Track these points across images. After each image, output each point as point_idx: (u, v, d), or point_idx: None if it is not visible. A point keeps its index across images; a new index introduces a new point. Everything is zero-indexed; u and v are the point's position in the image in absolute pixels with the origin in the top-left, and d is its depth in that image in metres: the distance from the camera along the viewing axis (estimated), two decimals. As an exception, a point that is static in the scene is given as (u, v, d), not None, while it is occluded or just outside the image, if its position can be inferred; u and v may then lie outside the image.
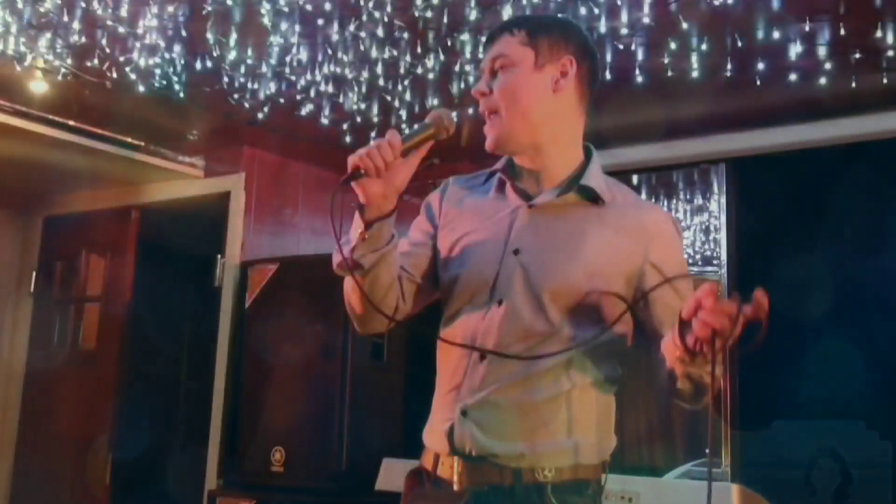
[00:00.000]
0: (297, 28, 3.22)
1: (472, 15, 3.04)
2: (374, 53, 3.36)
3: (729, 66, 3.26)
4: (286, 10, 3.08)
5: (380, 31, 3.18)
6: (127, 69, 3.50)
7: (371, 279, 1.59)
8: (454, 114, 1.68)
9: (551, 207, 1.66)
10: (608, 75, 3.34)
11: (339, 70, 3.51)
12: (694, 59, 3.26)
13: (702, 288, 1.39)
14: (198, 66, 3.50)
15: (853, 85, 3.33)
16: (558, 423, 1.58)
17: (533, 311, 1.59)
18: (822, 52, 3.16)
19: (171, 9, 3.12)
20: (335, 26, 3.19)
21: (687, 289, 1.62)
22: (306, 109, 3.89)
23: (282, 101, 3.82)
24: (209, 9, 3.09)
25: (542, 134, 1.67)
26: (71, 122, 4.29)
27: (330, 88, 3.67)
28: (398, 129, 1.58)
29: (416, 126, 1.63)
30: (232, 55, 3.42)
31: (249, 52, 3.42)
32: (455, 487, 1.59)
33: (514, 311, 1.60)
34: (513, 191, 1.71)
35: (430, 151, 1.65)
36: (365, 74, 3.55)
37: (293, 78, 3.62)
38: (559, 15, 3.00)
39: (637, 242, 1.63)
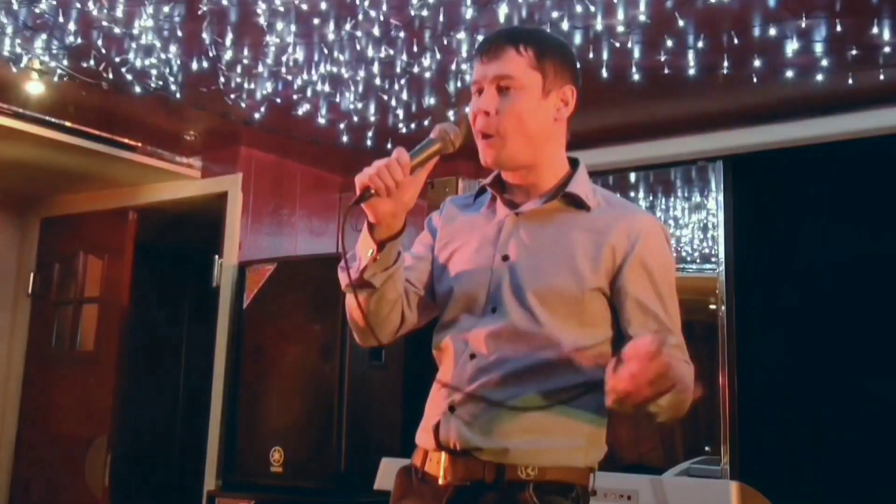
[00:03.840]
0: (294, 28, 3.22)
1: (469, 14, 3.04)
2: (370, 53, 3.36)
3: (726, 64, 3.26)
4: (282, 9, 3.08)
5: (376, 31, 3.18)
6: (123, 70, 3.50)
7: (378, 297, 1.63)
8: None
9: (537, 214, 1.69)
10: (605, 73, 3.34)
11: (335, 69, 3.51)
12: (690, 56, 3.26)
13: (641, 342, 1.34)
14: (194, 66, 3.50)
15: (850, 82, 3.33)
16: (543, 424, 1.59)
17: (521, 313, 1.62)
18: (818, 48, 3.16)
19: (166, 9, 3.12)
20: (331, 26, 3.19)
21: (668, 294, 1.64)
22: (303, 109, 3.89)
23: (278, 101, 3.82)
24: (205, 9, 3.09)
25: (539, 156, 1.69)
26: (67, 124, 4.28)
27: (327, 88, 3.67)
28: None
29: (422, 142, 1.62)
30: (228, 55, 3.42)
31: (246, 52, 3.42)
32: (440, 482, 1.62)
33: (506, 315, 1.62)
34: (502, 203, 1.74)
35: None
36: (361, 74, 3.54)
37: (290, 78, 3.61)
38: (554, 13, 3.00)
39: (623, 242, 1.64)
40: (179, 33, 3.26)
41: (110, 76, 3.53)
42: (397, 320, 1.70)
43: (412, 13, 3.07)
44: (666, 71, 3.34)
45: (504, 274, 1.65)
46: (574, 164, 1.75)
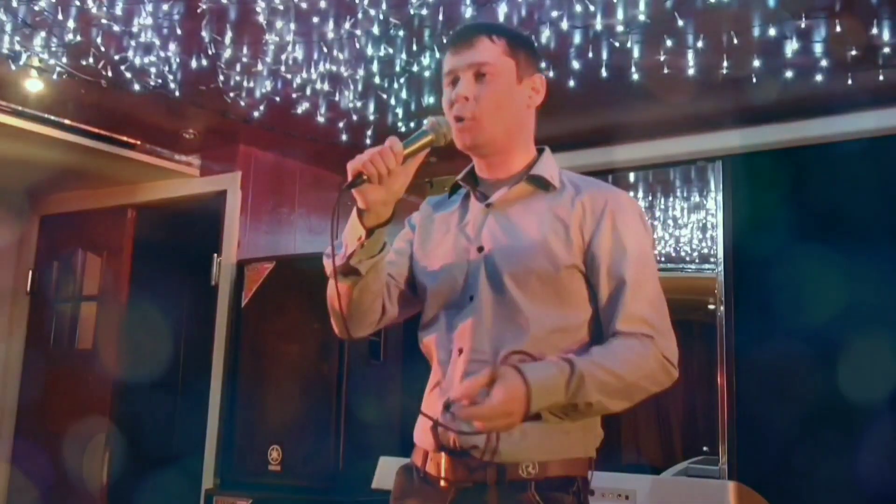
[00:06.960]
0: (293, 26, 3.21)
1: (468, 13, 3.04)
2: (369, 51, 3.36)
3: (725, 64, 3.25)
4: (281, 7, 3.07)
5: (375, 29, 3.18)
6: (122, 68, 3.50)
7: (362, 285, 1.65)
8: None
9: (506, 201, 1.72)
10: (604, 73, 3.34)
11: (334, 68, 3.51)
12: (690, 56, 3.26)
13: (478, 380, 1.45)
14: (193, 64, 3.49)
15: (849, 82, 3.34)
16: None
17: (500, 300, 1.63)
18: (818, 49, 3.16)
19: (165, 7, 3.12)
20: (331, 24, 3.19)
21: (637, 259, 1.63)
22: (302, 108, 3.88)
23: (278, 99, 3.82)
24: (204, 7, 3.08)
25: (512, 143, 1.73)
26: (66, 121, 4.28)
27: (326, 86, 3.67)
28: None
29: (415, 133, 1.65)
30: (227, 53, 3.41)
31: (245, 50, 3.42)
32: (442, 484, 1.62)
33: (485, 305, 1.64)
34: (475, 198, 1.77)
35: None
36: (361, 72, 3.54)
37: (289, 76, 3.61)
38: (554, 12, 3.00)
39: (590, 216, 1.66)
40: (178, 31, 3.26)
41: (109, 74, 3.52)
42: (378, 312, 1.73)
43: (411, 12, 3.07)
44: (665, 71, 3.34)
45: (480, 265, 1.67)
46: (541, 152, 1.79)
